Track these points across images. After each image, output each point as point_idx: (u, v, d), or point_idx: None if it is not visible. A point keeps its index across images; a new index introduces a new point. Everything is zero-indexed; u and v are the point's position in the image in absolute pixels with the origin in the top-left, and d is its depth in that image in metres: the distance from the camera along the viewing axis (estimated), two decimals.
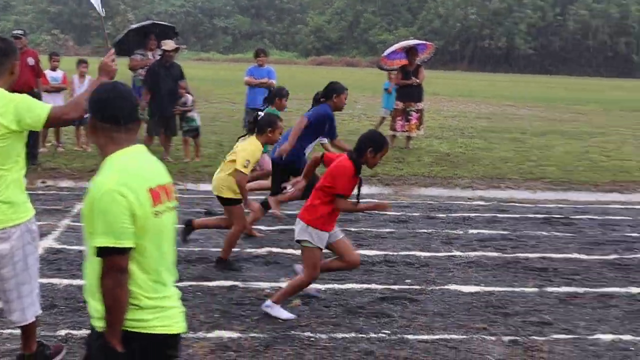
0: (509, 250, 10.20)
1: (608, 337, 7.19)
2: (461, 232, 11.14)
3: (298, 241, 7.42)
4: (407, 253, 9.79)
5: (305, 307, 7.62)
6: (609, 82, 74.04)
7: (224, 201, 8.89)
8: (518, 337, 7.08)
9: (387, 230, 11.04)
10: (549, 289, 8.57)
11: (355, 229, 10.95)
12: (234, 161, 8.69)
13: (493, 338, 7.02)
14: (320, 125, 10.69)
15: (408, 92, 19.01)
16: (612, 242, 10.96)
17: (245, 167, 8.54)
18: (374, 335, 6.96)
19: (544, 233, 11.29)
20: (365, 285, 8.40)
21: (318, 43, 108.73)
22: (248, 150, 8.70)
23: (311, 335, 6.88)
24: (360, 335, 6.95)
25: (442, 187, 14.62)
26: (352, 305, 7.73)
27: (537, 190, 14.92)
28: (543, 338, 7.08)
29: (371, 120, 25.53)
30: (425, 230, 11.10)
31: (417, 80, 19.06)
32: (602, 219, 12.49)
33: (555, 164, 17.85)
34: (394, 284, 8.51)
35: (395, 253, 9.71)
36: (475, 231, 11.18)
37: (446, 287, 8.47)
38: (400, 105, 19.04)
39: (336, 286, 8.33)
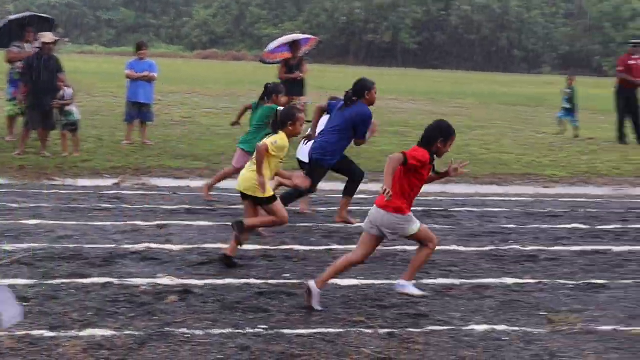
0: (388, 243, 10.19)
1: (482, 327, 7.27)
2: (341, 225, 11.17)
3: (408, 237, 7.81)
4: (286, 247, 9.78)
5: (182, 304, 7.53)
6: (491, 76, 75.40)
7: (261, 201, 8.96)
8: (394, 329, 7.11)
9: None
10: (426, 281, 8.65)
11: None
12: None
13: (370, 331, 7.04)
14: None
15: (292, 86, 18.97)
16: (488, 233, 11.16)
17: (272, 144, 8.84)
18: (250, 330, 6.90)
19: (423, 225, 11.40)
20: (243, 280, 8.34)
21: (204, 37, 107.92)
22: (278, 136, 8.96)
23: (187, 331, 6.78)
24: (237, 330, 6.88)
25: (323, 180, 14.60)
26: (229, 301, 7.66)
27: None
28: (419, 330, 7.13)
29: None
30: (306, 224, 11.11)
31: (302, 75, 19.08)
32: (481, 211, 12.71)
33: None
34: (272, 278, 8.48)
35: (274, 247, 9.69)
36: (355, 224, 11.22)
37: None
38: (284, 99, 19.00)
39: (214, 281, 8.25)
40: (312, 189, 11.11)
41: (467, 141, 21.46)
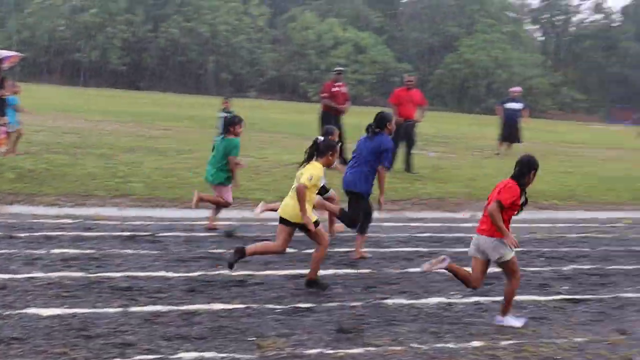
0: (94, 270, 9.94)
1: (191, 355, 7.18)
2: (44, 251, 10.71)
3: (500, 264, 8.56)
4: None
5: None
6: (198, 99, 75.93)
7: (303, 227, 9.58)
8: None
9: None
10: (133, 309, 8.43)
11: None
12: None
13: None
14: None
15: None
16: (197, 258, 11.05)
17: (308, 180, 9.37)
18: None
19: (130, 251, 11.15)
20: None
21: None
22: (312, 169, 9.51)
23: None
24: None
25: (25, 204, 14.03)
26: None
27: (124, 207, 14.76)
28: None
29: None
30: (6, 251, 10.56)
31: (7, 93, 18.35)
32: (188, 236, 12.59)
33: (142, 180, 17.69)
34: None
35: None
36: (58, 250, 10.80)
37: (24, 310, 8.05)
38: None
39: None
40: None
41: (174, 164, 21.21)
